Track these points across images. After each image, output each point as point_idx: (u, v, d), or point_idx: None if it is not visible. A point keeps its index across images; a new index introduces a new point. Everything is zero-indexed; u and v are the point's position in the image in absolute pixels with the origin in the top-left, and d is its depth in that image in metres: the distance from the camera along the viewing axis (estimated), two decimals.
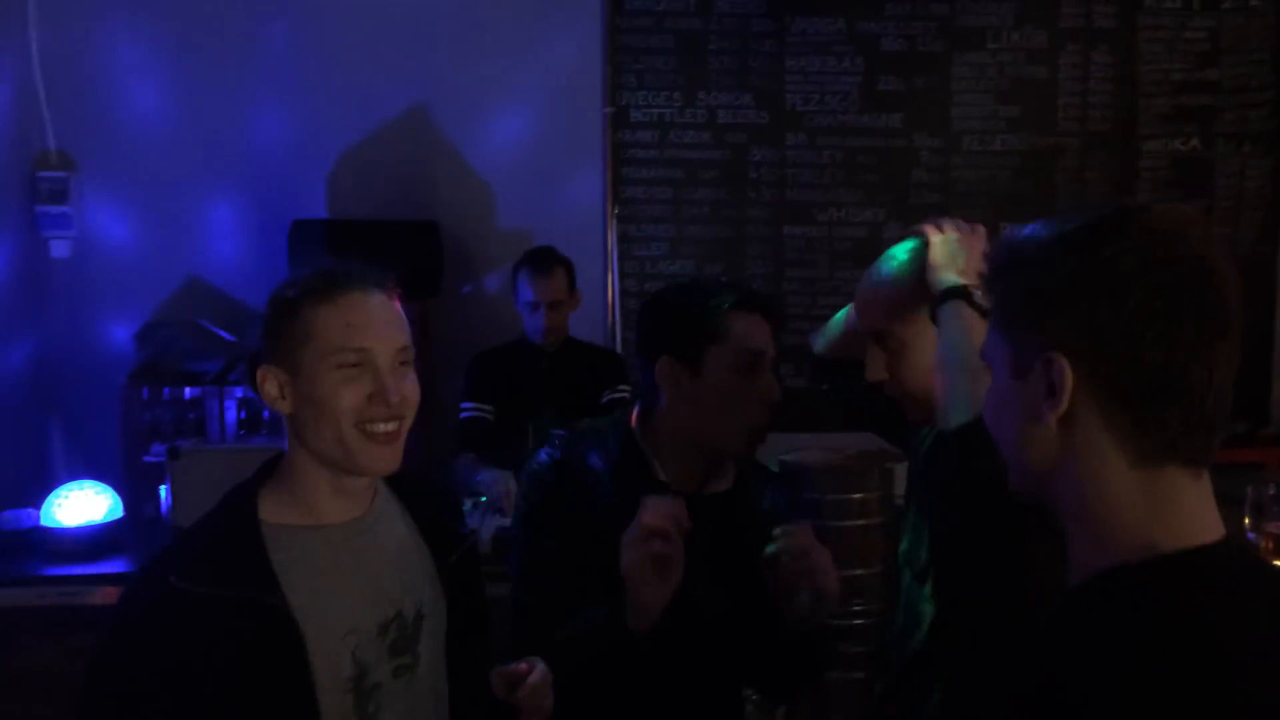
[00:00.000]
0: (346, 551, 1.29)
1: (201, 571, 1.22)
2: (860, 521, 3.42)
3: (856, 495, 3.76)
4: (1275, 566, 2.09)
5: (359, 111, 3.79)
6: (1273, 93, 3.83)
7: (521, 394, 3.15)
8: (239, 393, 3.30)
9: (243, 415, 3.34)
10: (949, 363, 1.39)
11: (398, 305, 1.30)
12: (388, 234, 3.59)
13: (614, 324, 3.90)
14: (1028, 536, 1.39)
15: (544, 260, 3.18)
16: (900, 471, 3.71)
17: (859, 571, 3.29)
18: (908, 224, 3.94)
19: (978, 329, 1.37)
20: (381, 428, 1.25)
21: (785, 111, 3.88)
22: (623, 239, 3.90)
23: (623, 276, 3.91)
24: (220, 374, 3.38)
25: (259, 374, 1.28)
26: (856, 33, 3.86)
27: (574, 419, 3.11)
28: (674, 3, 3.83)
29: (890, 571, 3.46)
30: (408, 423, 1.29)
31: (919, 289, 1.48)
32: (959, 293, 1.41)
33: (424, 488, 1.44)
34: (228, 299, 3.72)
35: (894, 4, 3.85)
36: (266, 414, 3.31)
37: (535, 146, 3.86)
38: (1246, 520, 2.29)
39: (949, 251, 1.47)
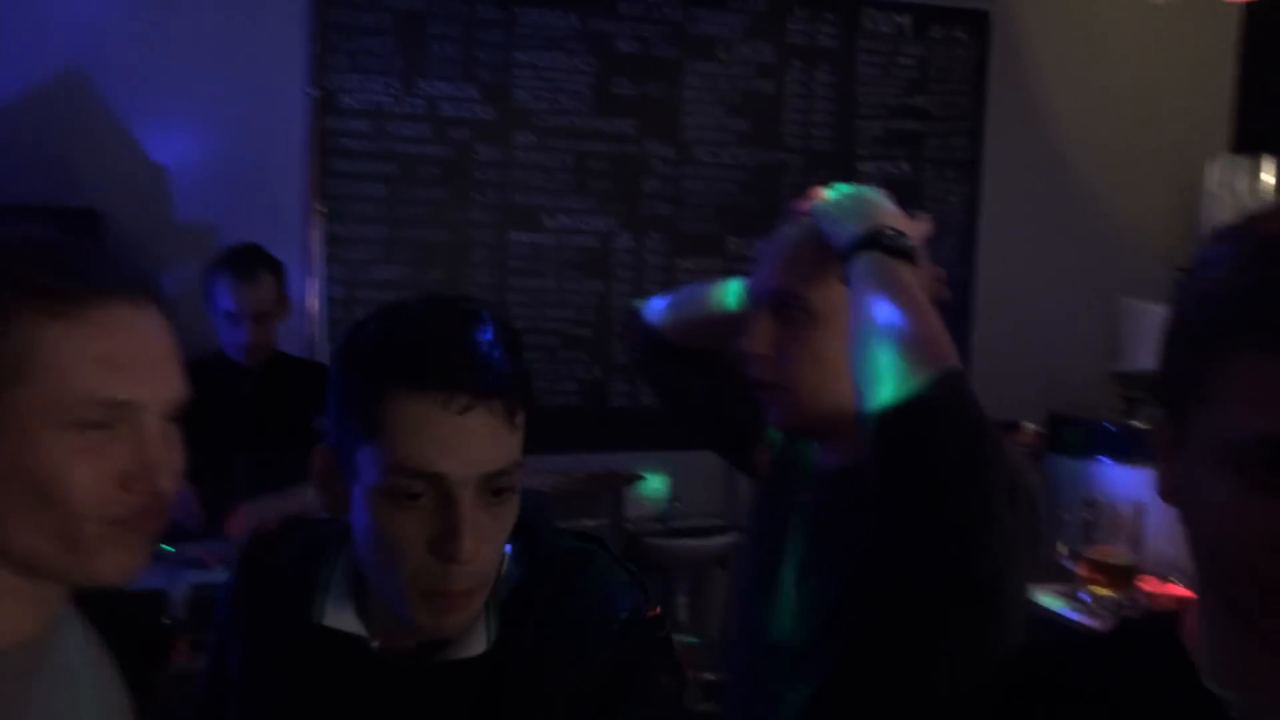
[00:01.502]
0: (26, 686, 0.82)
1: None
2: None
3: (588, 522, 3.54)
4: None
5: None
6: (972, 122, 4.03)
7: (220, 420, 2.59)
8: None
9: None
10: (867, 328, 1.06)
11: (168, 326, 0.83)
12: (30, 222, 2.89)
13: (316, 335, 3.41)
14: (947, 607, 1.13)
15: (247, 263, 2.64)
16: (632, 494, 3.55)
17: None
18: (638, 236, 3.87)
19: (905, 278, 1.08)
20: (137, 520, 0.79)
21: (513, 108, 3.58)
22: (330, 239, 3.43)
23: (329, 281, 3.43)
24: None
25: None
26: (590, 30, 3.63)
27: (286, 448, 2.67)
28: None
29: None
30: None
31: (827, 250, 1.16)
32: (871, 241, 1.10)
33: None
34: None
35: (627, 4, 3.66)
36: None
37: (224, 128, 3.30)
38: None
39: (843, 203, 1.18)
